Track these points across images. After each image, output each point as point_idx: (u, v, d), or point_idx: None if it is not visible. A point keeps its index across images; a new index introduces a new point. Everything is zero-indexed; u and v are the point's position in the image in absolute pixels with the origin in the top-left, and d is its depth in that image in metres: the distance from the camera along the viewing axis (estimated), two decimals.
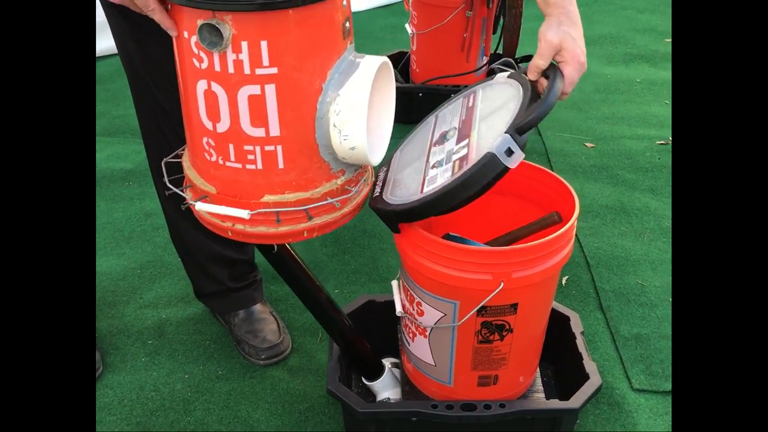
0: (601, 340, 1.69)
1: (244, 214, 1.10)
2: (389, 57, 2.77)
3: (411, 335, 1.36)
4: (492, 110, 1.22)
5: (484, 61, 2.56)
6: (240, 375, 1.59)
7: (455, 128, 1.27)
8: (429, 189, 1.14)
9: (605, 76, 2.99)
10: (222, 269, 1.61)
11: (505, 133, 1.06)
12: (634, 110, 2.71)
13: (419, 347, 1.34)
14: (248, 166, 1.09)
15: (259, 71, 1.01)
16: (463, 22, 2.40)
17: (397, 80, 2.60)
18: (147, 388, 1.56)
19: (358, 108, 1.07)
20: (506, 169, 1.06)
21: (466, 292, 1.20)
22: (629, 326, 1.72)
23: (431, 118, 1.39)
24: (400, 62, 2.72)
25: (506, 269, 1.16)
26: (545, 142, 2.50)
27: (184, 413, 1.49)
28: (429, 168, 1.21)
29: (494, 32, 2.50)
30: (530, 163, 1.37)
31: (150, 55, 1.34)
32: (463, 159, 1.13)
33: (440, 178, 1.15)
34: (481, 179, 1.06)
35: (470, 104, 1.30)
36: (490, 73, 2.61)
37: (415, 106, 2.58)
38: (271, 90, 1.03)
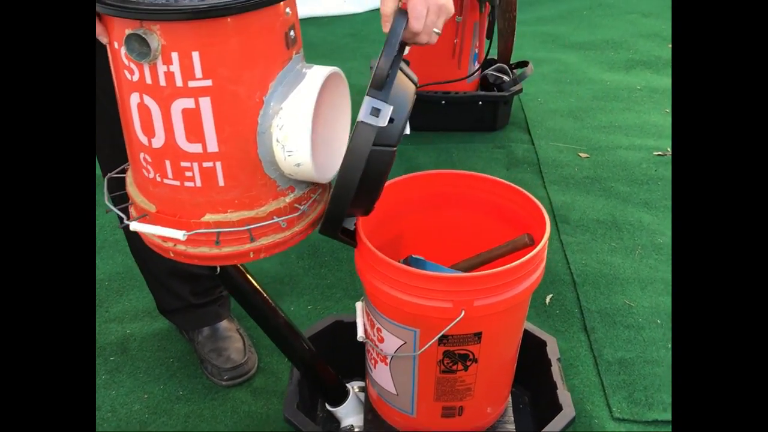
0: (583, 364, 1.60)
1: (179, 235, 1.03)
2: None
3: (373, 362, 1.28)
4: None
5: (476, 67, 2.48)
6: (201, 396, 1.52)
7: None
8: None
9: (604, 83, 2.90)
10: (183, 284, 1.54)
11: (367, 95, 0.99)
12: (633, 119, 2.62)
13: (381, 375, 1.27)
14: (187, 184, 1.03)
15: (192, 84, 0.95)
16: (453, 27, 2.32)
17: None
18: (104, 408, 1.49)
19: (301, 121, 1.00)
20: (382, 130, 0.98)
21: (425, 320, 1.12)
22: (613, 350, 1.63)
23: None
24: None
25: (467, 297, 1.08)
26: (537, 152, 2.42)
27: None
28: None
29: (488, 38, 2.42)
30: (501, 180, 1.29)
31: (99, 62, 1.28)
32: None
33: None
34: (360, 153, 0.98)
35: None
36: (484, 80, 2.53)
37: None
38: (206, 103, 0.96)
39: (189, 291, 1.55)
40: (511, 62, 2.59)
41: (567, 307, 1.77)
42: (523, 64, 2.53)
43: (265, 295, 1.26)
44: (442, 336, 1.12)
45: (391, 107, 0.99)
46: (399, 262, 1.25)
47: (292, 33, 1.02)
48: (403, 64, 1.06)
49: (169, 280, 1.52)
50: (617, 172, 2.30)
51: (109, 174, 1.17)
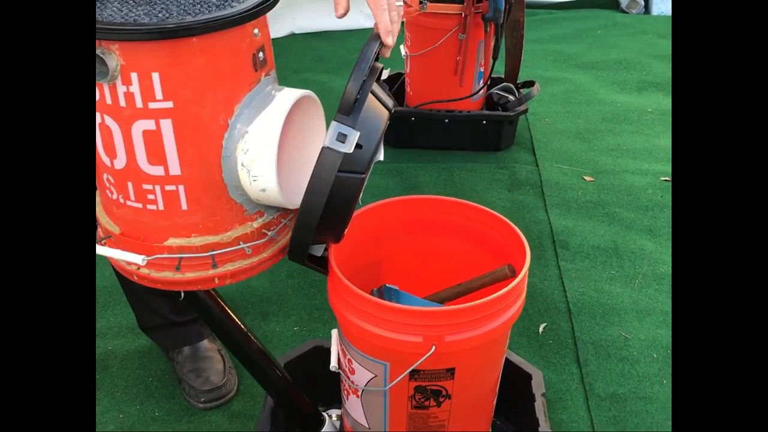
0: (573, 398, 1.55)
1: (138, 259, 1.00)
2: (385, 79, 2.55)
3: (346, 393, 1.24)
4: None
5: (481, 86, 2.43)
6: (177, 417, 1.49)
7: None
8: None
9: (615, 104, 2.84)
10: (162, 301, 1.51)
11: (334, 120, 0.95)
12: (642, 142, 2.56)
13: (353, 407, 1.22)
14: (149, 207, 1.00)
15: (152, 105, 0.92)
16: (456, 45, 2.28)
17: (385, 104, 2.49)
18: None
19: (267, 146, 0.97)
20: (349, 157, 0.94)
21: (395, 354, 1.08)
22: (605, 383, 1.58)
23: None
24: (396, 84, 2.61)
25: (438, 331, 1.04)
26: (541, 173, 2.36)
27: None
28: None
29: (494, 57, 2.38)
30: (482, 207, 1.25)
31: None
32: None
33: None
34: (324, 180, 0.94)
35: None
36: (489, 99, 2.49)
37: (407, 131, 2.47)
38: (167, 125, 0.93)
39: (169, 309, 1.52)
40: (518, 82, 2.54)
41: (560, 337, 1.71)
42: (530, 83, 2.49)
43: (236, 320, 1.23)
44: (413, 371, 1.08)
45: (358, 133, 0.95)
46: (372, 291, 1.21)
47: (261, 54, 0.99)
48: (376, 88, 1.02)
49: (148, 296, 1.50)
50: (622, 197, 2.24)
51: None
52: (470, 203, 1.26)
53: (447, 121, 2.43)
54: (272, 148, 0.97)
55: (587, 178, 2.34)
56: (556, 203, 2.21)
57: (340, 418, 1.40)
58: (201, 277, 1.06)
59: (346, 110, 0.96)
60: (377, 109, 1.01)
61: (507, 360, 1.39)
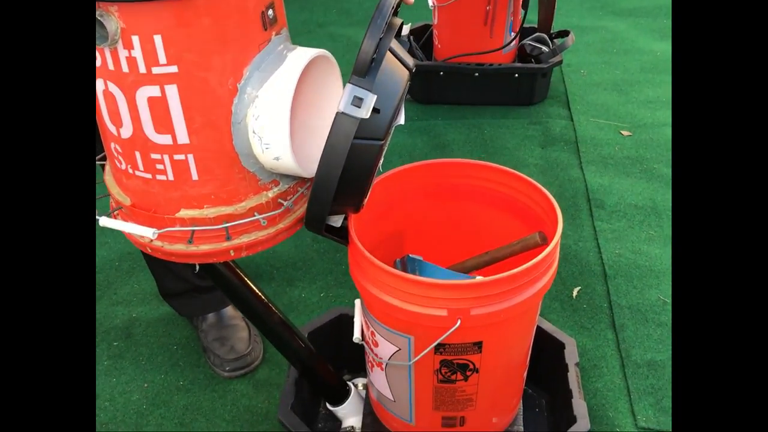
0: (608, 366, 1.49)
1: (148, 233, 0.96)
2: (411, 30, 2.53)
3: (370, 365, 1.20)
4: None
5: (512, 37, 2.33)
6: (202, 387, 1.47)
7: None
8: None
9: (654, 54, 2.70)
10: (186, 264, 1.47)
11: (348, 82, 0.88)
12: None
13: (378, 379, 1.18)
14: (158, 177, 0.95)
15: (156, 70, 0.86)
16: None
17: (416, 56, 2.40)
18: (102, 396, 1.45)
19: (279, 111, 0.91)
20: (365, 122, 0.87)
21: (419, 328, 1.03)
22: (642, 350, 1.51)
23: None
24: (423, 36, 2.51)
25: (464, 305, 0.98)
26: (576, 128, 2.27)
27: (134, 428, 1.38)
28: None
29: (524, 7, 2.26)
30: (511, 171, 1.18)
31: None
32: None
33: None
34: (339, 148, 0.88)
35: None
36: (521, 51, 2.38)
37: (435, 85, 2.38)
38: (172, 91, 0.88)
39: (192, 273, 1.48)
40: (551, 31, 2.43)
41: (595, 301, 1.64)
42: (564, 33, 2.37)
43: (257, 291, 1.19)
44: (439, 345, 1.03)
45: (375, 96, 0.88)
46: (395, 262, 1.16)
47: (270, 12, 0.92)
48: (395, 45, 0.95)
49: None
50: (661, 152, 2.14)
51: (97, 159, 1.10)
52: (498, 166, 1.19)
53: (477, 74, 2.33)
54: (284, 113, 0.91)
55: (625, 133, 2.24)
56: (591, 160, 2.11)
57: (365, 387, 1.37)
58: (215, 250, 1.01)
59: (361, 71, 0.89)
60: (396, 68, 0.94)
61: (539, 328, 1.33)
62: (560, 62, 2.35)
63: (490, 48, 2.31)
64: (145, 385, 1.47)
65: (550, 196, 1.11)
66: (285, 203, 1.03)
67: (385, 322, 1.06)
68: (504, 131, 2.28)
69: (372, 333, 1.11)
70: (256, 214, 1.01)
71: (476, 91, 2.38)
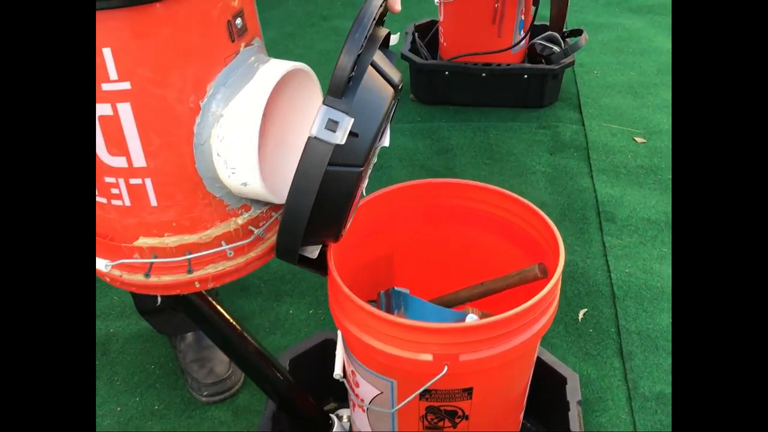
0: (614, 398, 1.38)
1: (101, 265, 0.87)
2: (416, 26, 2.40)
3: (352, 403, 1.10)
4: None
5: (522, 36, 2.21)
6: (178, 412, 1.38)
7: None
8: None
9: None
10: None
11: (322, 103, 0.78)
12: None
13: (360, 420, 1.09)
14: (114, 202, 0.86)
15: (106, 86, 0.77)
16: None
17: (420, 54, 2.29)
18: None
19: (246, 133, 0.81)
20: (341, 148, 0.77)
21: (402, 372, 0.93)
22: (651, 381, 1.41)
23: None
24: (429, 33, 2.39)
25: (452, 350, 0.88)
26: (587, 134, 2.15)
27: None
28: None
29: (535, 4, 2.15)
30: (509, 193, 1.07)
31: None
32: None
33: None
34: (312, 175, 0.78)
35: None
36: (531, 50, 2.26)
37: (440, 85, 2.27)
38: (125, 110, 0.78)
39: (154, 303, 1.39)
40: (564, 30, 2.31)
41: (602, 325, 1.54)
42: (577, 32, 2.25)
43: (230, 319, 1.09)
44: (424, 390, 0.93)
45: (352, 120, 0.78)
46: (380, 294, 1.06)
47: (239, 21, 0.82)
48: (379, 58, 0.84)
49: None
50: None
51: None
52: (495, 188, 1.08)
53: (484, 75, 2.22)
54: (252, 135, 0.81)
55: (639, 140, 2.12)
56: (602, 168, 2.00)
57: (350, 419, 1.27)
58: (178, 281, 0.92)
59: (337, 91, 0.78)
60: (379, 86, 0.83)
61: (539, 359, 1.23)
62: (572, 63, 2.23)
63: (499, 47, 2.19)
64: (118, 408, 1.39)
65: (552, 225, 1.01)
66: (256, 231, 0.93)
67: (366, 364, 0.96)
68: (511, 135, 2.16)
69: (353, 372, 1.02)
70: (223, 243, 0.91)
71: (483, 93, 2.26)
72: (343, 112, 0.78)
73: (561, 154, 2.08)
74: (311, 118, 0.94)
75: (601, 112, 2.25)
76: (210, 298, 1.06)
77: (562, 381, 1.24)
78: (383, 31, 0.87)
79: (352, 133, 0.79)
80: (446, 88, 2.26)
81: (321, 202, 0.80)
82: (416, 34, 2.37)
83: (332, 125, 0.77)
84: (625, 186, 1.93)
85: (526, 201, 1.05)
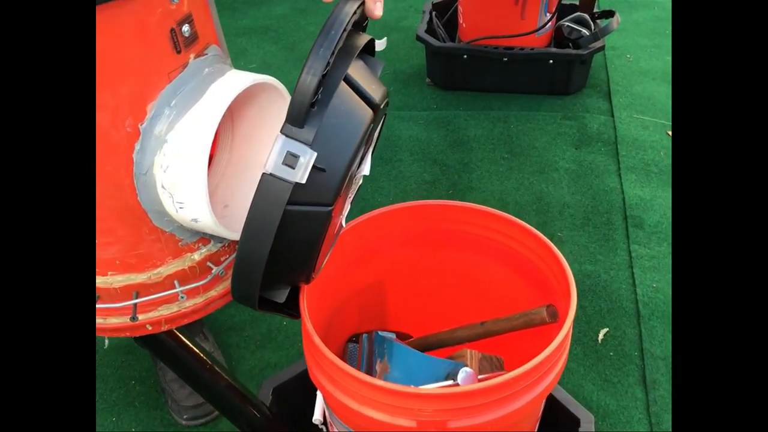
0: None
1: None
2: (434, 5, 2.23)
3: None
4: None
5: (548, 18, 2.03)
6: None
7: None
8: None
9: None
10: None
11: (280, 132, 0.64)
12: None
13: None
14: None
15: None
16: None
17: (437, 36, 2.13)
18: None
19: (194, 163, 0.68)
20: (302, 186, 0.64)
21: None
22: None
23: None
24: (447, 12, 2.22)
25: (439, 416, 0.75)
26: (617, 126, 1.98)
27: None
28: None
29: None
30: (517, 222, 0.93)
31: None
32: None
33: None
34: (266, 217, 0.65)
35: None
36: (557, 33, 2.09)
37: (458, 70, 2.10)
38: None
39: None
40: (594, 11, 2.12)
41: (625, 348, 1.39)
42: (609, 13, 2.07)
43: (199, 353, 0.97)
44: None
45: (315, 154, 0.64)
46: (362, 336, 0.93)
47: (186, 28, 0.68)
48: (357, 71, 0.70)
49: None
50: None
51: None
52: (499, 214, 0.94)
53: (506, 59, 2.05)
54: (199, 166, 0.68)
55: (672, 134, 1.95)
56: (631, 166, 1.83)
57: None
58: (126, 325, 0.80)
59: (297, 118, 0.65)
60: (353, 108, 0.69)
61: (550, 395, 1.10)
62: (602, 48, 2.06)
63: (522, 30, 2.02)
64: None
65: (564, 262, 0.86)
66: (215, 268, 0.80)
67: (345, 421, 0.84)
68: (533, 126, 2.00)
69: (331, 425, 0.89)
70: (176, 282, 0.79)
71: (504, 79, 2.10)
72: (304, 143, 0.64)
73: (587, 149, 1.91)
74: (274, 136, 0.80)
75: (632, 102, 2.08)
76: (176, 333, 0.94)
77: (575, 422, 1.10)
78: (362, 39, 0.72)
79: (317, 168, 0.65)
80: (465, 72, 2.10)
81: (281, 246, 0.67)
82: (433, 13, 2.20)
83: (291, 160, 0.64)
84: (656, 187, 1.77)
85: (532, 230, 0.91)
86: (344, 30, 0.65)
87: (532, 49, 2.05)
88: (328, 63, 0.64)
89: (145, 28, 0.64)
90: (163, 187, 0.70)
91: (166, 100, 0.68)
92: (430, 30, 2.14)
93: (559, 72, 2.06)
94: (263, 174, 0.64)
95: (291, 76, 2.26)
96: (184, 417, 1.27)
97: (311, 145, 0.64)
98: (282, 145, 0.64)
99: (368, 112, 0.70)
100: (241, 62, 2.34)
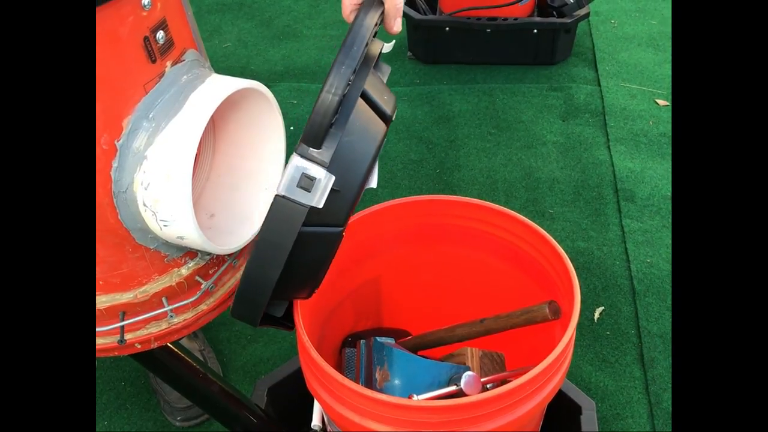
0: (634, 414, 1.24)
1: None
2: None
3: None
4: None
5: None
6: None
7: None
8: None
9: None
10: None
11: (295, 152, 0.61)
12: None
13: None
14: None
15: None
16: None
17: (418, 9, 2.07)
18: None
19: (176, 178, 0.64)
20: (316, 210, 0.62)
21: None
22: None
23: None
24: None
25: (439, 428, 0.73)
26: (604, 96, 1.94)
27: None
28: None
29: None
30: (518, 217, 0.90)
31: None
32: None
33: None
34: (281, 241, 0.62)
35: None
36: (541, 2, 2.04)
37: (440, 43, 2.05)
38: None
39: None
40: None
41: (621, 326, 1.38)
42: None
43: (190, 361, 0.94)
44: None
45: (333, 178, 0.61)
46: (360, 344, 0.90)
47: (160, 35, 0.64)
48: (372, 84, 0.66)
49: None
50: None
51: None
52: (498, 209, 0.91)
53: (489, 30, 2.00)
54: (182, 181, 0.64)
55: (661, 102, 1.92)
56: (621, 137, 1.81)
57: None
58: (113, 345, 0.76)
59: (315, 139, 0.60)
60: (368, 124, 0.65)
61: None
62: (587, 15, 2.01)
63: (505, 0, 1.97)
64: None
65: (566, 259, 0.84)
66: (204, 283, 0.77)
67: (341, 426, 0.81)
68: (519, 99, 1.96)
69: None
70: (164, 300, 0.75)
71: (488, 50, 2.05)
72: (322, 166, 0.60)
73: (574, 121, 1.88)
74: (266, 138, 0.77)
75: (619, 70, 2.04)
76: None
77: (576, 410, 1.09)
78: (377, 47, 0.68)
79: (332, 189, 0.62)
80: (447, 45, 2.05)
81: (290, 267, 0.64)
82: None
83: (307, 182, 0.60)
84: (646, 158, 1.74)
85: (534, 225, 0.88)
86: (366, 45, 0.61)
87: (515, 19, 2.00)
88: (349, 81, 0.60)
89: (116, 39, 0.60)
90: (144, 204, 0.66)
91: (143, 113, 0.64)
92: (410, 2, 2.08)
93: (544, 42, 2.01)
94: (276, 195, 0.60)
95: (268, 54, 2.20)
96: (178, 418, 1.25)
97: (328, 168, 0.60)
98: (297, 166, 0.60)
99: (382, 127, 0.66)
100: (215, 41, 2.28)
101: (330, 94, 0.59)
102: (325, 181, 0.60)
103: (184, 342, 1.32)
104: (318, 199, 0.60)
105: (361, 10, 0.64)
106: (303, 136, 0.60)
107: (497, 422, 0.74)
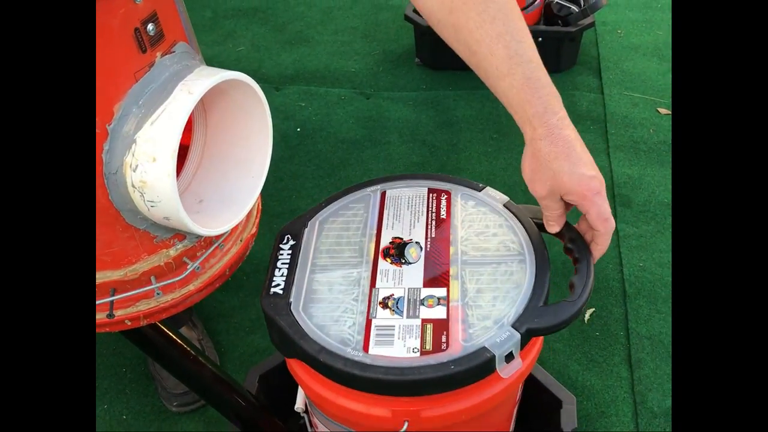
0: (619, 413, 1.26)
1: None
2: None
3: None
4: (477, 248, 0.85)
5: None
6: (147, 421, 1.29)
7: (418, 244, 0.85)
8: (380, 354, 0.74)
9: None
10: None
11: (512, 326, 0.74)
12: None
13: None
14: None
15: None
16: None
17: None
18: None
19: (161, 161, 0.68)
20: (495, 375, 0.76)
21: (361, 426, 0.81)
22: (661, 395, 1.28)
23: (374, 191, 0.95)
24: None
25: (412, 406, 0.76)
26: (606, 104, 1.97)
27: None
28: (376, 300, 0.79)
29: None
30: None
31: None
32: (440, 327, 0.76)
33: (398, 341, 0.75)
34: (465, 381, 0.75)
35: (440, 211, 0.89)
36: (547, 10, 2.08)
37: (447, 50, 2.08)
38: None
39: None
40: None
41: (610, 327, 1.41)
42: None
43: (183, 344, 0.98)
44: None
45: (521, 366, 0.78)
46: None
47: (151, 27, 0.68)
48: None
49: None
50: None
51: None
52: None
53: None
54: (167, 164, 0.68)
55: (662, 111, 1.94)
56: (620, 144, 1.83)
57: None
58: (105, 321, 0.81)
59: (534, 333, 0.76)
60: None
61: (531, 376, 1.12)
62: (592, 24, 2.04)
63: None
64: None
65: None
66: (191, 264, 0.81)
67: (322, 409, 0.85)
68: None
69: (311, 414, 0.91)
70: (153, 279, 0.79)
71: None
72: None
73: (576, 127, 1.90)
74: (253, 128, 0.81)
75: (623, 78, 2.07)
76: (159, 324, 0.95)
77: (557, 404, 1.12)
78: None
79: None
80: (453, 52, 2.08)
81: None
82: None
83: (509, 356, 0.75)
84: (645, 165, 1.77)
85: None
86: None
87: None
88: None
89: (109, 30, 0.64)
90: (133, 186, 0.70)
91: (133, 99, 0.68)
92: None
93: (549, 50, 2.04)
94: (484, 347, 0.72)
95: (280, 58, 2.25)
96: (174, 404, 1.29)
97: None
98: (509, 339, 0.73)
99: None
100: (229, 44, 2.33)
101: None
102: (519, 363, 0.76)
103: (184, 331, 1.37)
104: (508, 374, 0.75)
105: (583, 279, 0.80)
106: (531, 328, 0.75)
107: (466, 402, 0.77)
